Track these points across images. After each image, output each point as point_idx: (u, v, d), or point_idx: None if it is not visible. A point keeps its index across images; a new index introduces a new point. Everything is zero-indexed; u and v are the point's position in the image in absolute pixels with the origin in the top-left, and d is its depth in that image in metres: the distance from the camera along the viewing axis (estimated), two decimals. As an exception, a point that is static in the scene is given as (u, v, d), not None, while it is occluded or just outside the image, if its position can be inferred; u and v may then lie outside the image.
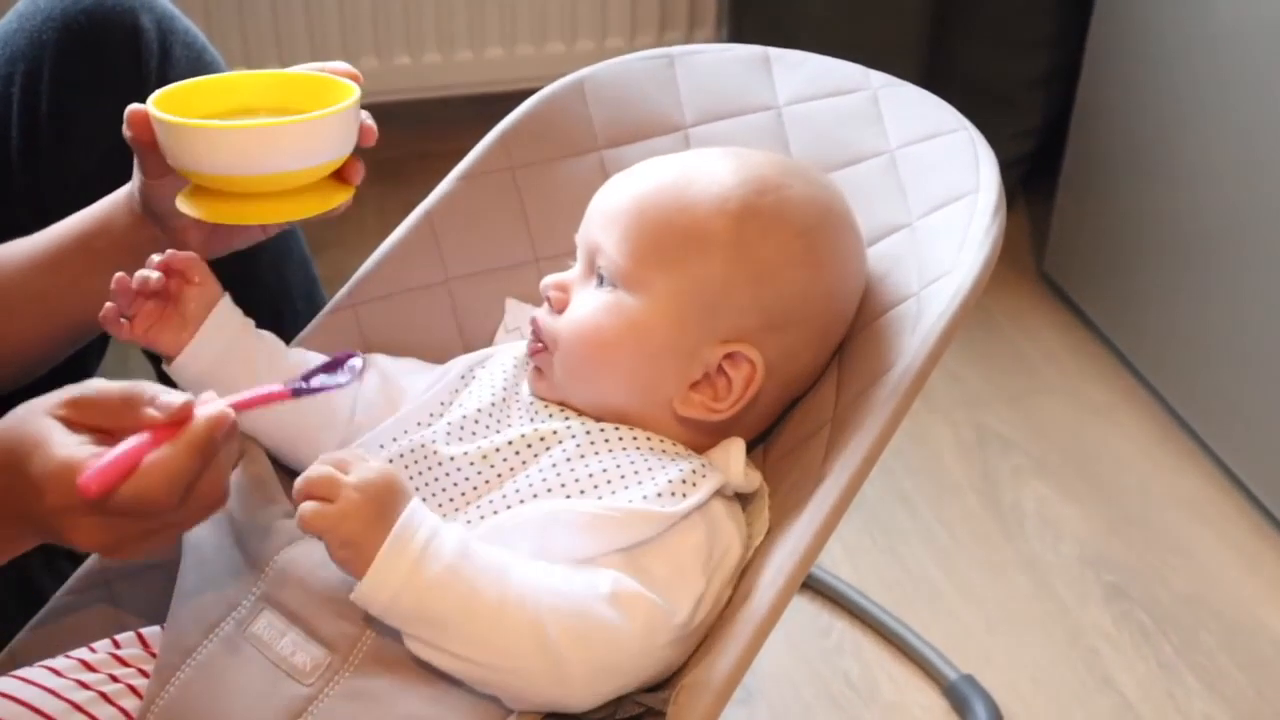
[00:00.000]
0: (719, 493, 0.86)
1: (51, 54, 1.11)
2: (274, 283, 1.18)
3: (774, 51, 1.07)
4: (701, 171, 0.91)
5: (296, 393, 0.77)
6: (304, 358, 0.96)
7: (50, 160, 1.12)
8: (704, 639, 0.84)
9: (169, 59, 1.13)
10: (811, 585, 1.58)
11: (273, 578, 0.85)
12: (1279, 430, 1.63)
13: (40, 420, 0.71)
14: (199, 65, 1.14)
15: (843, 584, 1.58)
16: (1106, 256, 1.94)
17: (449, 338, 1.04)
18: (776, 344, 0.89)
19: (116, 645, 0.88)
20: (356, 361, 0.79)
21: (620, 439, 0.88)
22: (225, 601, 0.85)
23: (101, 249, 0.97)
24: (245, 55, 2.11)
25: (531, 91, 1.09)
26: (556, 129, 1.07)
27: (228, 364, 0.92)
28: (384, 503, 0.77)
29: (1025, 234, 2.18)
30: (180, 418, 0.71)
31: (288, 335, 0.99)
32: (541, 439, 0.88)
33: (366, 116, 0.91)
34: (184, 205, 0.88)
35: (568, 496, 0.85)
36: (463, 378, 0.96)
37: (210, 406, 0.72)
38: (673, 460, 0.86)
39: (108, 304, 0.89)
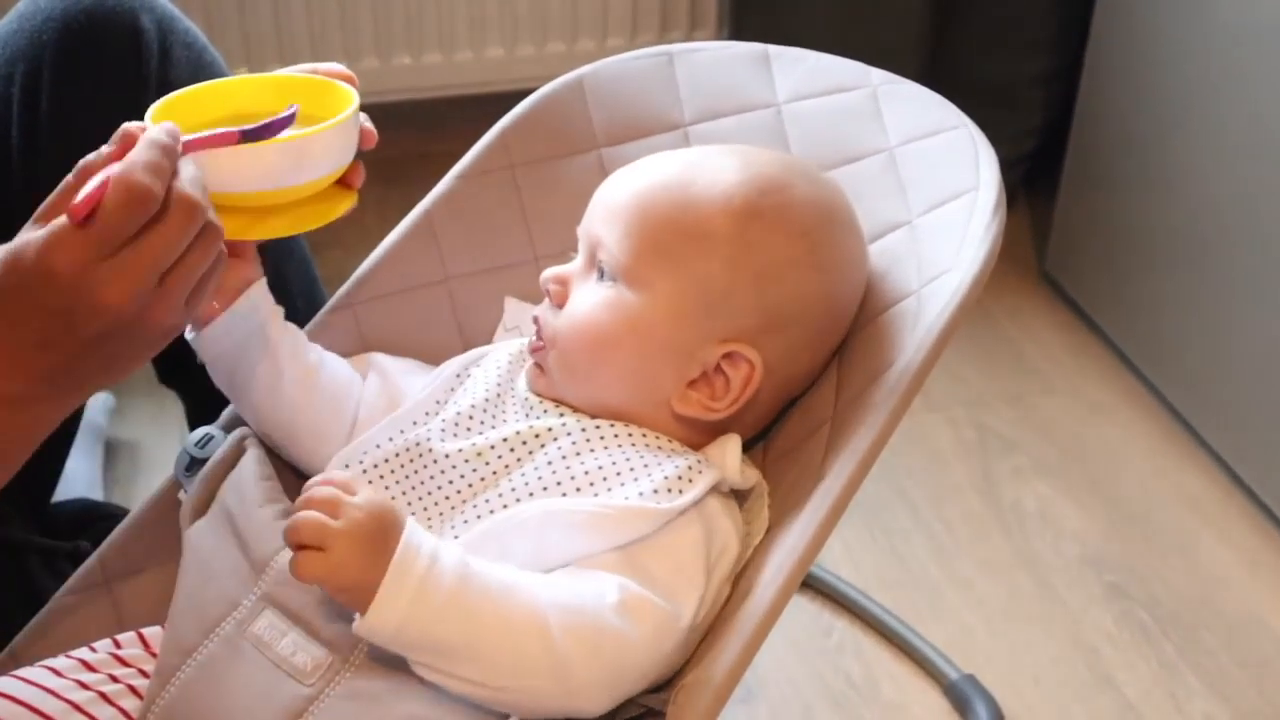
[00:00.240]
0: (715, 489, 0.86)
1: (52, 54, 1.11)
2: (274, 282, 1.17)
3: (774, 49, 1.07)
4: (705, 169, 0.91)
5: (245, 135, 0.81)
6: (323, 356, 0.97)
7: (50, 160, 1.12)
8: (704, 638, 0.84)
9: (169, 59, 1.13)
10: (812, 584, 1.58)
11: (273, 578, 0.84)
12: (1279, 429, 1.64)
13: (19, 238, 0.74)
14: (199, 65, 1.14)
15: (843, 583, 1.58)
16: (1107, 256, 1.94)
17: (448, 337, 1.04)
18: (776, 344, 0.89)
19: (117, 645, 0.88)
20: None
21: (615, 436, 0.87)
22: (226, 601, 0.85)
23: None
24: (245, 55, 2.11)
25: (532, 91, 1.09)
26: (556, 127, 1.07)
27: (251, 348, 0.92)
28: (377, 542, 0.76)
29: (1026, 233, 2.18)
30: (128, 139, 0.76)
31: (288, 334, 0.99)
32: (536, 436, 0.88)
33: (365, 120, 0.91)
34: None
35: (563, 494, 0.84)
36: (458, 376, 0.95)
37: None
38: (668, 457, 0.86)
39: None
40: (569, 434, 0.87)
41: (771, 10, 2.07)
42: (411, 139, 1.90)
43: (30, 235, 0.74)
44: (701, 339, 0.88)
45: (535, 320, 0.93)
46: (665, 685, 0.82)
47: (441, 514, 0.87)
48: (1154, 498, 1.73)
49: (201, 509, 0.91)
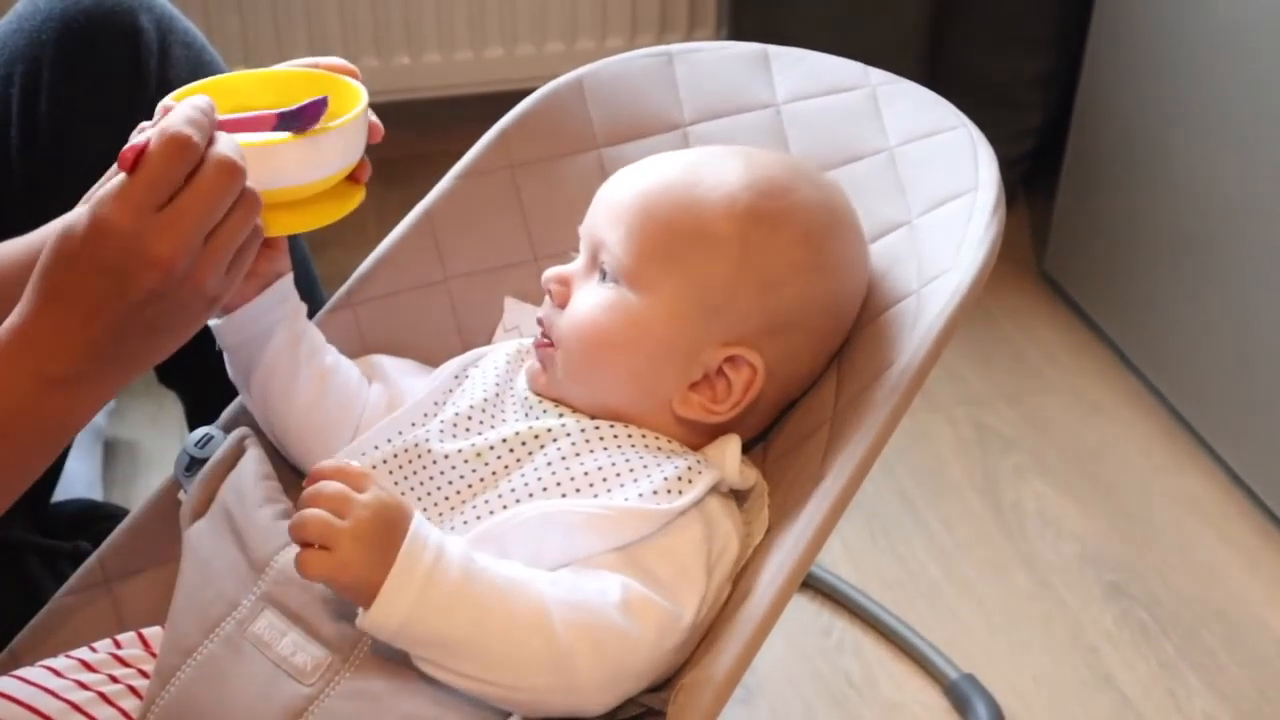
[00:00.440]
0: (715, 489, 0.86)
1: (51, 54, 1.11)
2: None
3: (773, 49, 1.07)
4: (709, 171, 0.90)
5: (281, 118, 0.84)
6: (338, 359, 0.97)
7: (49, 160, 1.12)
8: (704, 638, 0.84)
9: (168, 59, 1.13)
10: (812, 584, 1.58)
11: (273, 577, 0.84)
12: (1279, 429, 1.63)
13: (61, 220, 0.77)
14: (198, 65, 1.14)
15: (843, 583, 1.58)
16: (1107, 255, 1.94)
17: (448, 337, 1.04)
18: (777, 348, 0.89)
19: (118, 645, 0.88)
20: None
21: (615, 436, 0.87)
22: (226, 601, 0.85)
23: None
24: (245, 55, 2.11)
25: (531, 91, 1.09)
26: (555, 127, 1.07)
27: (274, 340, 0.92)
28: (383, 540, 0.76)
29: (1026, 233, 2.18)
30: (166, 110, 0.78)
31: (287, 335, 0.99)
32: (536, 436, 0.88)
33: (371, 114, 0.91)
34: None
35: (563, 495, 0.84)
36: (456, 377, 0.95)
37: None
38: (668, 457, 0.86)
39: None
40: (568, 434, 0.87)
41: (770, 10, 2.07)
42: (411, 139, 1.90)
43: (79, 209, 0.76)
44: (704, 342, 0.88)
45: (541, 321, 0.92)
46: (665, 685, 0.82)
47: (441, 514, 0.87)
48: (1154, 497, 1.73)
49: (201, 509, 0.91)
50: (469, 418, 0.92)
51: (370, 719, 0.79)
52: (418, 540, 0.77)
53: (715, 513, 0.86)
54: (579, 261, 0.93)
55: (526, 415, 0.91)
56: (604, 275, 0.90)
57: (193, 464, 0.94)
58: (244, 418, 0.98)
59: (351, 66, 0.92)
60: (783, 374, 0.91)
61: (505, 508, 0.85)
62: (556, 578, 0.81)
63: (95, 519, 1.34)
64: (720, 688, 0.78)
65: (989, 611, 1.57)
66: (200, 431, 0.96)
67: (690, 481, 0.84)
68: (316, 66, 0.93)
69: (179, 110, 0.77)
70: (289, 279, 0.94)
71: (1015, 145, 2.12)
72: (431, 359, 1.00)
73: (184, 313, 0.79)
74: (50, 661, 0.86)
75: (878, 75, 1.03)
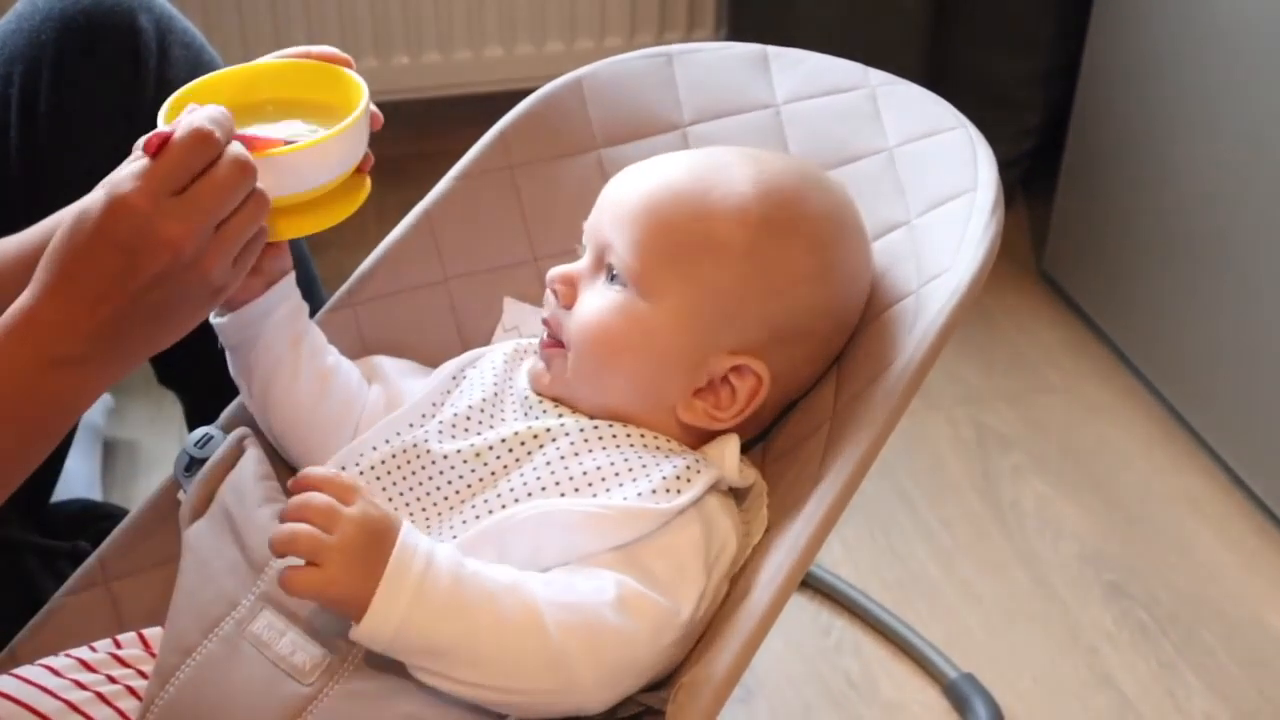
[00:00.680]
0: (714, 488, 0.86)
1: (50, 54, 1.11)
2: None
3: (772, 50, 1.07)
4: (720, 177, 0.90)
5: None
6: (339, 359, 0.97)
7: (49, 160, 1.12)
8: (703, 636, 0.84)
9: (167, 59, 1.13)
10: (811, 584, 1.58)
11: (272, 577, 0.84)
12: (1279, 429, 1.63)
13: (78, 203, 0.79)
14: (197, 65, 1.14)
15: (842, 582, 1.58)
16: (1106, 255, 1.94)
17: (447, 337, 1.04)
18: (782, 356, 0.89)
19: (118, 645, 0.88)
20: None
21: (614, 436, 0.87)
22: (225, 601, 0.85)
23: None
24: (243, 55, 2.10)
25: (531, 91, 1.09)
26: (555, 127, 1.07)
27: (276, 338, 0.93)
28: (370, 553, 0.76)
29: (1025, 232, 2.18)
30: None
31: (287, 335, 0.99)
32: (535, 436, 0.88)
33: (370, 104, 0.91)
34: None
35: (562, 494, 0.84)
36: (454, 378, 0.95)
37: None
38: (666, 457, 0.86)
39: None
40: (568, 434, 0.87)
41: (770, 10, 2.07)
42: (410, 139, 1.90)
43: (95, 191, 0.78)
44: (710, 350, 0.88)
45: (547, 322, 0.92)
46: (664, 684, 0.82)
47: (440, 514, 0.87)
48: (1153, 497, 1.73)
49: (201, 509, 0.91)
50: (468, 418, 0.92)
51: (369, 719, 0.79)
52: (406, 549, 0.77)
53: (714, 511, 0.86)
54: (584, 261, 0.92)
55: (526, 415, 0.91)
56: (612, 277, 0.90)
57: (192, 464, 0.94)
58: (243, 418, 0.98)
59: (346, 56, 0.92)
60: (786, 380, 0.91)
61: (504, 507, 0.85)
62: (551, 578, 0.81)
63: (95, 519, 1.34)
64: (720, 687, 0.78)
65: (988, 611, 1.57)
66: (200, 431, 0.96)
67: (689, 481, 0.84)
68: (309, 55, 0.93)
69: (203, 110, 0.80)
70: (292, 277, 0.94)
71: (1014, 145, 2.12)
72: (431, 359, 1.00)
73: (189, 300, 0.81)
74: (49, 661, 0.86)
75: (877, 76, 1.03)
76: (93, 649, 0.87)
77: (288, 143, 0.85)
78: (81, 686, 0.83)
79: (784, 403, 0.93)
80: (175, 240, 0.77)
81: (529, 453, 0.87)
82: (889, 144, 0.99)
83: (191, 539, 0.90)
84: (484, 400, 0.92)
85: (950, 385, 1.90)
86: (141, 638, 0.88)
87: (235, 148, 0.80)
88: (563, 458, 0.86)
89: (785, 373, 0.90)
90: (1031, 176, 2.20)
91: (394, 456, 0.90)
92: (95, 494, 1.59)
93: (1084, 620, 1.56)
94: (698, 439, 0.90)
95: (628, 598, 0.79)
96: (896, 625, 1.52)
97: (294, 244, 1.21)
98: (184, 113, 0.81)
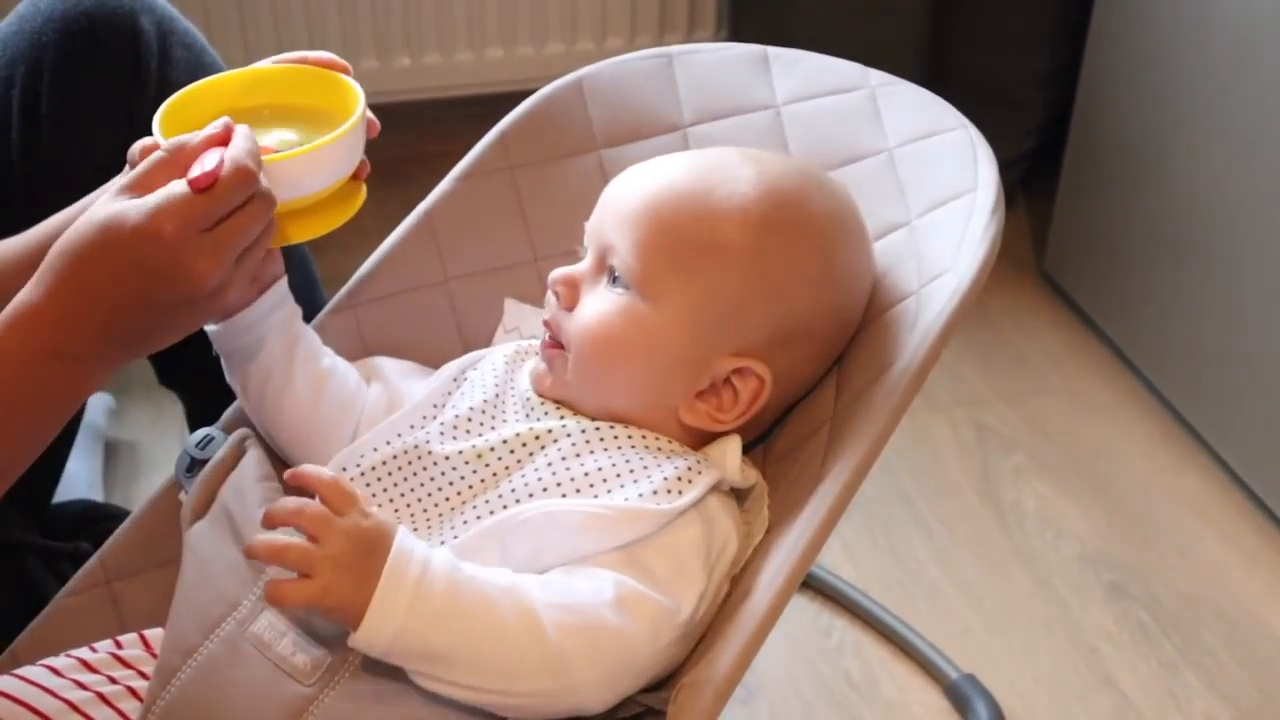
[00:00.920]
0: (715, 488, 0.86)
1: (51, 55, 1.11)
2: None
3: (772, 50, 1.07)
4: (722, 178, 0.90)
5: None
6: (335, 361, 0.97)
7: (50, 161, 1.12)
8: (704, 636, 0.84)
9: (168, 60, 1.13)
10: (812, 584, 1.58)
11: (273, 577, 0.84)
12: (1279, 429, 1.63)
13: (109, 207, 0.78)
14: (198, 66, 1.14)
15: (843, 583, 1.58)
16: (1107, 255, 1.94)
17: (448, 338, 1.04)
18: (785, 358, 0.89)
19: (119, 646, 0.88)
20: None
21: (615, 437, 0.87)
22: (226, 602, 0.85)
23: None
24: (244, 56, 2.10)
25: (531, 92, 1.09)
26: (555, 128, 1.07)
27: (271, 344, 0.93)
28: (363, 561, 0.77)
29: (1025, 233, 2.18)
30: (226, 131, 0.82)
31: (287, 336, 0.99)
32: (537, 438, 0.88)
33: (368, 110, 0.91)
34: None
35: (563, 495, 0.84)
36: (455, 379, 0.95)
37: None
38: (668, 458, 0.86)
39: None
40: (569, 436, 0.87)
41: (770, 11, 2.07)
42: (411, 140, 1.90)
43: (130, 201, 0.78)
44: (713, 352, 0.88)
45: (548, 323, 0.92)
46: (665, 684, 0.82)
47: (441, 515, 0.87)
48: (1154, 497, 1.73)
49: (202, 510, 0.91)
50: (469, 419, 0.92)
51: (370, 719, 0.79)
52: (402, 555, 0.77)
53: (715, 511, 0.86)
54: (585, 263, 0.92)
55: (527, 416, 0.91)
56: (614, 280, 0.90)
57: (193, 465, 0.94)
58: (244, 419, 0.98)
59: (343, 62, 0.92)
60: (788, 381, 0.91)
61: (506, 508, 0.85)
62: (548, 580, 0.81)
63: (96, 519, 1.34)
64: (720, 687, 0.78)
65: (989, 611, 1.57)
66: (201, 432, 0.96)
67: (690, 482, 0.84)
68: (307, 61, 0.93)
69: (242, 143, 0.81)
70: (284, 282, 0.94)
71: (1015, 145, 2.12)
72: (432, 360, 1.00)
73: (198, 318, 0.83)
74: (51, 661, 0.86)
75: (877, 76, 1.03)
76: (94, 649, 0.87)
77: (277, 151, 0.85)
78: (82, 687, 0.83)
79: (786, 403, 0.93)
80: (203, 275, 0.78)
81: (530, 454, 0.87)
82: (889, 144, 0.99)
83: (193, 540, 0.90)
84: (485, 402, 0.92)
85: (951, 386, 1.90)
86: (142, 638, 0.89)
87: (263, 182, 0.81)
88: (564, 459, 0.86)
89: (787, 374, 0.90)
90: (1032, 177, 2.20)
91: (395, 458, 0.90)
92: (96, 495, 1.59)
93: (1085, 620, 1.56)
94: (699, 440, 0.90)
95: (626, 598, 0.80)
96: (897, 626, 1.52)
97: (295, 246, 1.21)
98: (216, 138, 0.81)
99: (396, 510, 0.89)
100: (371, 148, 0.91)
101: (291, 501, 0.79)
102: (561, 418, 0.90)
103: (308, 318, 1.03)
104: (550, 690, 0.78)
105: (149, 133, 0.87)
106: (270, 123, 0.90)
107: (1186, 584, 1.60)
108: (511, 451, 0.88)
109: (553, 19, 2.21)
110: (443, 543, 0.85)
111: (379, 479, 0.90)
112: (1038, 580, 1.61)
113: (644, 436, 0.88)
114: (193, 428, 1.26)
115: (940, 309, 0.86)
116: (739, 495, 0.90)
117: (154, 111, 0.87)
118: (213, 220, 0.78)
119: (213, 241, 0.78)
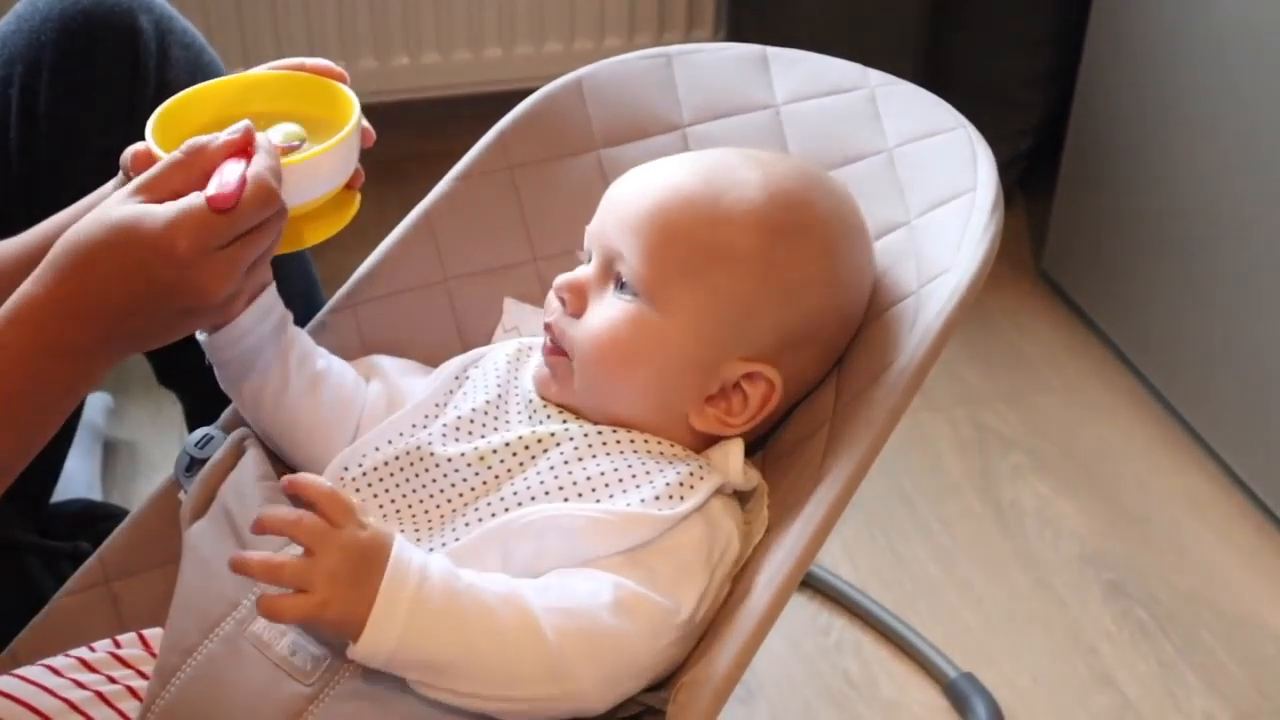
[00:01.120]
0: (718, 491, 0.86)
1: (50, 55, 1.11)
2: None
3: (772, 50, 1.07)
4: (728, 182, 0.89)
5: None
6: (330, 361, 0.96)
7: (48, 161, 1.12)
8: (703, 636, 0.84)
9: (167, 60, 1.13)
10: (811, 584, 1.58)
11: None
12: (1279, 428, 1.63)
13: (123, 209, 0.78)
14: (197, 66, 1.14)
15: (842, 582, 1.58)
16: (1106, 255, 1.94)
17: (447, 337, 1.04)
18: (792, 361, 0.89)
19: (118, 645, 0.88)
20: None
21: (619, 441, 0.87)
22: (225, 601, 0.85)
23: None
24: (243, 56, 2.11)
25: (530, 91, 1.09)
26: (554, 128, 1.07)
27: (263, 351, 0.92)
28: (360, 574, 0.76)
29: (1024, 232, 2.18)
30: (246, 137, 0.81)
31: (287, 335, 0.99)
32: (539, 441, 0.88)
33: (363, 119, 0.91)
34: None
35: (565, 499, 0.84)
36: (456, 379, 0.95)
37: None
38: (670, 463, 0.86)
39: None
40: (571, 440, 0.87)
41: (769, 10, 2.07)
42: (410, 139, 1.90)
43: (145, 207, 0.78)
44: (723, 357, 0.88)
45: (551, 327, 0.91)
46: (665, 684, 0.82)
47: (443, 517, 0.87)
48: (1153, 497, 1.73)
49: (201, 509, 0.91)
50: (471, 420, 0.91)
51: (369, 719, 0.79)
52: (400, 565, 0.77)
53: (717, 513, 0.86)
54: (590, 268, 0.91)
55: (530, 419, 0.90)
56: (621, 286, 0.89)
57: (193, 464, 0.94)
58: (243, 419, 0.98)
59: (339, 70, 0.92)
60: (794, 383, 0.91)
61: (508, 511, 0.85)
62: (546, 584, 0.81)
63: (95, 519, 1.34)
64: (720, 687, 0.78)
65: (988, 611, 1.57)
66: (200, 432, 0.96)
67: (692, 487, 0.84)
68: (303, 67, 0.92)
69: (265, 160, 0.80)
70: (273, 289, 0.93)
71: (1013, 145, 2.12)
72: (431, 359, 1.00)
73: (205, 324, 0.85)
74: (50, 660, 0.86)
75: (876, 76, 1.03)
76: (93, 649, 0.87)
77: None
78: (82, 686, 0.83)
79: (787, 405, 0.93)
80: (212, 290, 0.79)
81: (533, 457, 0.87)
82: (888, 144, 0.99)
83: (192, 539, 0.90)
84: (488, 403, 0.92)
85: (950, 385, 1.90)
86: (142, 638, 0.89)
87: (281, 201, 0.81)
88: (566, 463, 0.86)
89: (794, 376, 0.90)
90: (1031, 176, 2.20)
91: (396, 459, 0.90)
92: (95, 494, 1.59)
93: (1084, 620, 1.56)
94: (703, 442, 0.90)
95: (624, 599, 0.80)
96: (896, 625, 1.52)
97: (294, 246, 1.21)
98: (235, 144, 0.81)
99: (398, 511, 0.88)
100: (370, 148, 0.91)
101: (287, 511, 0.79)
102: (564, 421, 0.89)
103: (308, 318, 1.03)
104: (552, 695, 0.78)
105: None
106: (264, 130, 0.90)
107: (1186, 583, 1.61)
108: (514, 454, 0.88)
109: (551, 18, 2.21)
110: (444, 545, 0.85)
111: (380, 480, 0.90)
112: (1037, 579, 1.61)
113: (647, 441, 0.88)
114: (191, 427, 1.26)
115: (940, 308, 0.86)
116: (741, 496, 0.90)
117: (152, 111, 0.87)
118: (228, 239, 0.78)
119: (227, 259, 0.79)
